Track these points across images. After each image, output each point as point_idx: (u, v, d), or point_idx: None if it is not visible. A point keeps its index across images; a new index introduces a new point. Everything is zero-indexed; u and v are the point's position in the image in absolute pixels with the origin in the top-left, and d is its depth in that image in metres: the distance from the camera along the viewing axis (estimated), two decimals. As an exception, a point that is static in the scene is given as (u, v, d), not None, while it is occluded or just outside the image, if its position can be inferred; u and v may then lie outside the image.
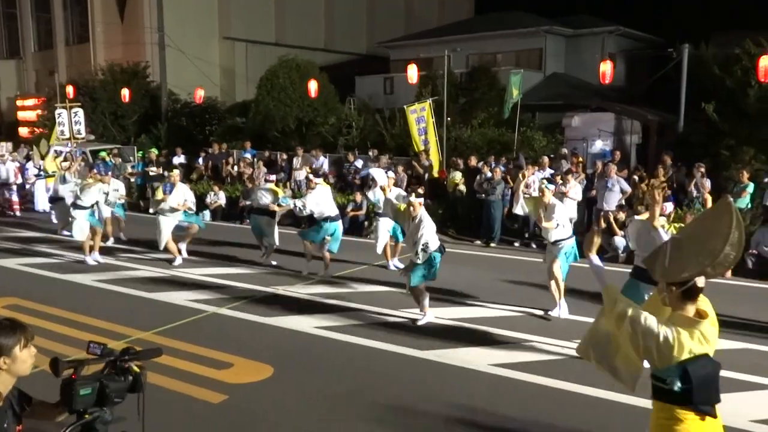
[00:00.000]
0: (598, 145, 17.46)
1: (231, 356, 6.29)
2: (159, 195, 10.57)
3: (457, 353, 6.40)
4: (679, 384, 2.70)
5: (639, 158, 17.31)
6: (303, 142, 18.49)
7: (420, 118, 15.61)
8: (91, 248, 10.56)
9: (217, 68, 29.32)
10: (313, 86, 18.86)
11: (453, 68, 20.22)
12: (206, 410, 5.15)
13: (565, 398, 5.39)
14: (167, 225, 10.35)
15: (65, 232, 12.08)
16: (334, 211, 9.60)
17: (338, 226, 9.63)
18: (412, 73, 17.00)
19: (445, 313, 7.75)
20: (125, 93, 22.35)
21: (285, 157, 17.33)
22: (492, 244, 12.45)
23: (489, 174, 12.83)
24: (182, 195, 10.57)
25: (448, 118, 16.45)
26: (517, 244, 12.52)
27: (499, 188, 12.53)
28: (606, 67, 15.71)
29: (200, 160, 18.47)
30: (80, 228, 10.40)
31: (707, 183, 11.96)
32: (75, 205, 10.56)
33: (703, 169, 12.09)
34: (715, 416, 2.78)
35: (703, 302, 2.91)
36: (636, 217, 6.52)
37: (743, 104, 14.44)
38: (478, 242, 12.71)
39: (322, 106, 20.58)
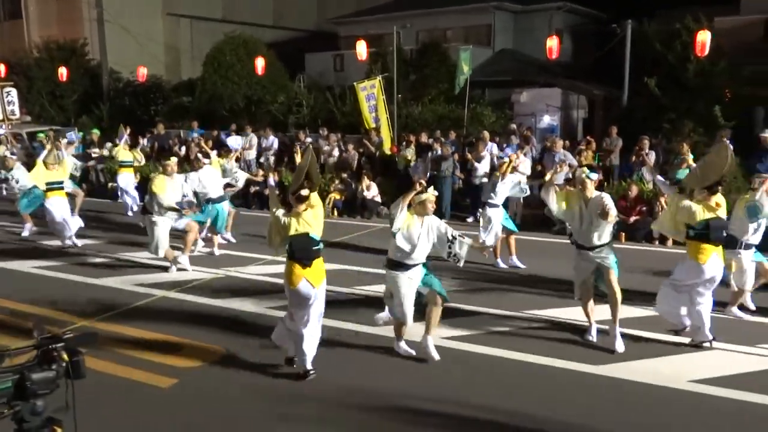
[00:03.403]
0: (546, 120, 17.78)
1: (180, 340, 6.18)
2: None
3: (410, 328, 6.45)
4: (289, 246, 5.20)
5: (585, 132, 17.70)
6: (252, 121, 18.15)
7: (370, 95, 15.50)
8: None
9: (161, 45, 28.31)
10: (260, 63, 18.48)
11: (403, 45, 20.12)
12: (156, 395, 5.06)
13: (516, 368, 5.52)
14: (163, 228, 8.53)
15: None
16: (217, 193, 9.72)
17: (220, 207, 9.72)
18: (362, 49, 16.83)
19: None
20: (63, 71, 21.40)
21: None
22: (443, 220, 12.49)
23: (440, 151, 12.88)
24: (180, 189, 8.80)
25: (399, 95, 16.40)
26: (470, 220, 12.65)
27: (446, 165, 12.58)
28: (553, 43, 15.90)
29: (145, 141, 17.91)
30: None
31: (651, 156, 12.30)
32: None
33: (646, 142, 12.43)
34: (309, 266, 5.18)
35: (313, 200, 5.27)
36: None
37: (683, 79, 14.91)
38: (430, 219, 12.78)
39: (270, 84, 20.23)
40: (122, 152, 13.57)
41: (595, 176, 6.02)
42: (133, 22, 24.57)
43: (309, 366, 5.24)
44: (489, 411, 4.73)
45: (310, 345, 5.24)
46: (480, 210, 9.45)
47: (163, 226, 8.53)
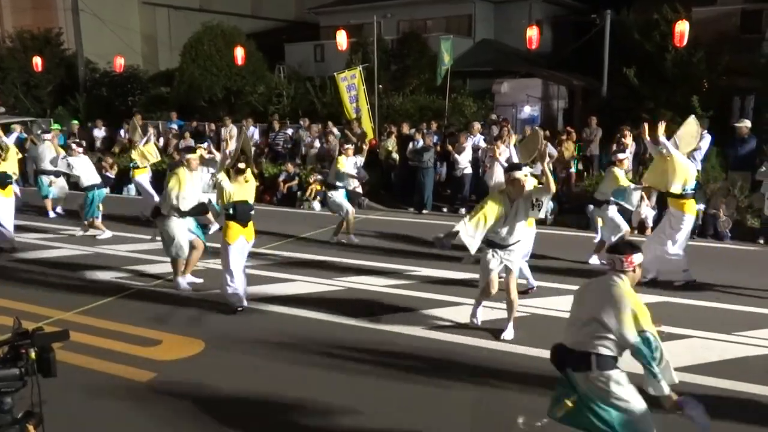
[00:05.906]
0: (527, 111, 17.83)
1: (159, 333, 6.11)
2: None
3: (394, 318, 6.46)
4: (233, 209, 6.38)
5: (566, 122, 17.78)
6: (232, 112, 17.98)
7: (351, 85, 15.40)
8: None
9: (138, 35, 27.92)
10: (239, 53, 18.27)
11: (384, 35, 20.02)
12: (134, 389, 4.99)
13: (490, 357, 5.53)
14: (181, 228, 7.29)
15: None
16: (95, 180, 10.33)
17: (96, 193, 10.20)
18: (342, 39, 16.71)
19: (378, 282, 7.79)
20: (37, 62, 20.97)
21: (213, 127, 16.78)
22: (424, 211, 12.54)
23: (421, 141, 12.85)
24: (199, 188, 7.50)
25: (380, 86, 16.32)
26: (445, 210, 12.70)
27: (427, 155, 12.55)
28: (532, 33, 15.92)
29: (122, 132, 17.63)
30: None
31: (632, 145, 12.36)
32: None
33: (628, 132, 12.49)
34: (245, 226, 6.50)
35: (248, 175, 6.51)
36: None
37: (661, 69, 15.02)
38: (411, 210, 12.79)
39: (250, 74, 20.06)
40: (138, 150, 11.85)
41: (533, 181, 6.18)
42: (108, 11, 24.19)
43: (239, 305, 6.62)
44: (467, 391, 4.74)
45: (241, 287, 6.61)
46: (592, 209, 8.82)
47: (178, 223, 7.27)
